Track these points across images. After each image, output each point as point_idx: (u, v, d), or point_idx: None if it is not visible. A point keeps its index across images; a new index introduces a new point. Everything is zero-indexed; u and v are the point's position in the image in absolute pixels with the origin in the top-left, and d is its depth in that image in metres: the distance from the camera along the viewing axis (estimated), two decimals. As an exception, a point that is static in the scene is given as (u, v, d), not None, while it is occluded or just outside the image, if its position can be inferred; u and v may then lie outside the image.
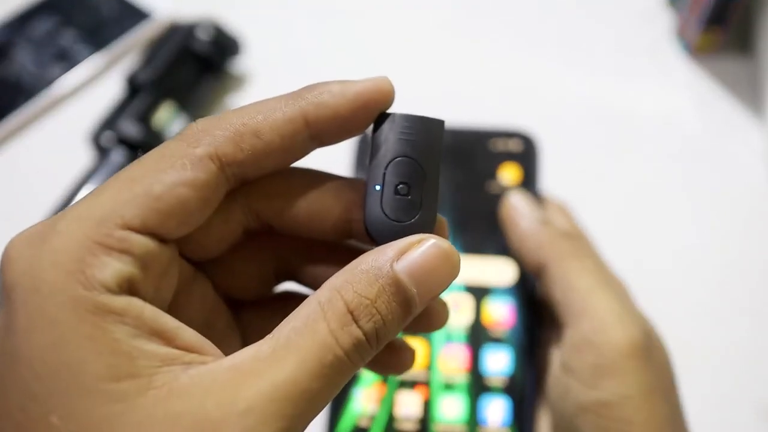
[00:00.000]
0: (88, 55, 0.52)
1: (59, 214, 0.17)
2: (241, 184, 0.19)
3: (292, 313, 0.17)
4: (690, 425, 0.38)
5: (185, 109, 0.47)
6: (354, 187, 0.20)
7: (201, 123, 0.18)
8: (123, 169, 0.18)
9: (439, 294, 0.18)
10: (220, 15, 0.51)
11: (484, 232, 0.32)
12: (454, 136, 0.34)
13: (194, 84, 0.48)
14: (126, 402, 0.15)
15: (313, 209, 0.20)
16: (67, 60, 0.51)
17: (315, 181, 0.20)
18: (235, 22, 0.51)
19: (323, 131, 0.19)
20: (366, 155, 0.32)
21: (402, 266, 0.17)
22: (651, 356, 0.25)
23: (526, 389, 0.29)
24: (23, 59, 0.51)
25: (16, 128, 0.49)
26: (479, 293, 0.32)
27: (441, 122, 0.20)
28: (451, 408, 0.29)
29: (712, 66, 0.53)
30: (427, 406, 0.29)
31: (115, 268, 0.16)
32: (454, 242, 0.31)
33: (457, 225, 0.33)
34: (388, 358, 0.21)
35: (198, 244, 0.19)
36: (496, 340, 0.30)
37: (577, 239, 0.29)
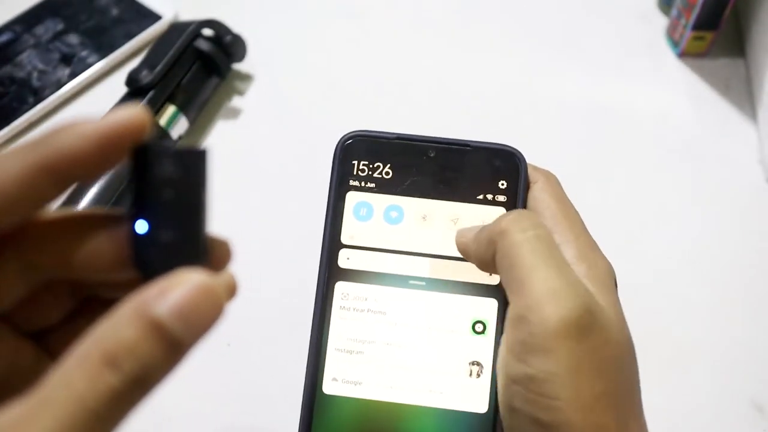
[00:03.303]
0: (96, 56, 0.53)
1: None
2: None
3: (53, 367, 0.17)
4: (687, 416, 0.39)
5: (187, 110, 0.48)
6: (122, 222, 0.20)
7: None
8: None
9: (209, 329, 0.18)
10: (221, 16, 0.51)
11: (464, 267, 0.30)
12: (428, 152, 0.32)
13: (197, 86, 0.49)
14: None
15: (84, 254, 0.20)
16: (76, 61, 0.53)
17: (83, 224, 0.20)
18: (235, 23, 0.52)
19: (69, 176, 0.18)
20: (336, 170, 0.32)
21: (164, 307, 0.17)
22: (586, 334, 0.24)
23: None
24: (33, 60, 0.53)
25: (26, 126, 0.50)
26: None
27: (202, 152, 0.19)
28: None
29: (705, 68, 0.54)
30: None
31: None
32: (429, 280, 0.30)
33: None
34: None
35: None
36: None
37: (519, 213, 0.27)
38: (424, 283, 0.30)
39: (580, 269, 0.27)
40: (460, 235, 0.29)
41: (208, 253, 0.19)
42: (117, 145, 0.18)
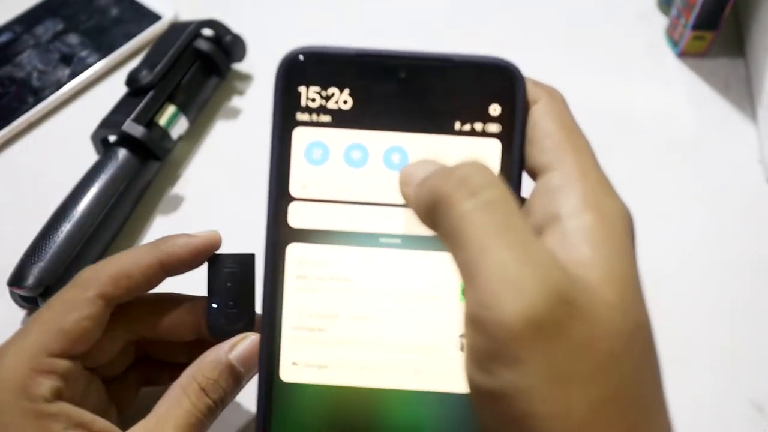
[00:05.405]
0: (96, 56, 0.53)
1: (2, 347, 0.27)
2: (117, 306, 0.29)
3: (163, 396, 0.28)
4: (687, 416, 0.39)
5: (187, 110, 0.48)
6: (200, 303, 0.30)
7: (88, 271, 0.28)
8: (38, 313, 0.28)
9: (256, 367, 0.27)
10: (221, 16, 0.51)
11: None
12: (399, 72, 0.24)
13: (197, 86, 0.49)
14: None
15: (172, 323, 0.30)
16: (76, 61, 0.53)
17: (172, 303, 0.31)
18: (235, 23, 0.52)
19: (173, 270, 0.30)
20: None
21: (233, 356, 0.28)
22: (564, 329, 0.18)
23: None
24: (33, 60, 0.53)
25: (26, 127, 0.50)
26: None
27: (252, 255, 0.30)
28: None
29: (705, 68, 0.54)
30: None
31: (47, 384, 0.26)
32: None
33: None
34: None
35: (93, 357, 0.29)
36: None
37: (467, 167, 0.20)
38: (398, 241, 0.25)
39: (584, 221, 0.21)
40: (403, 178, 0.22)
41: (255, 320, 0.30)
42: (202, 253, 0.30)
